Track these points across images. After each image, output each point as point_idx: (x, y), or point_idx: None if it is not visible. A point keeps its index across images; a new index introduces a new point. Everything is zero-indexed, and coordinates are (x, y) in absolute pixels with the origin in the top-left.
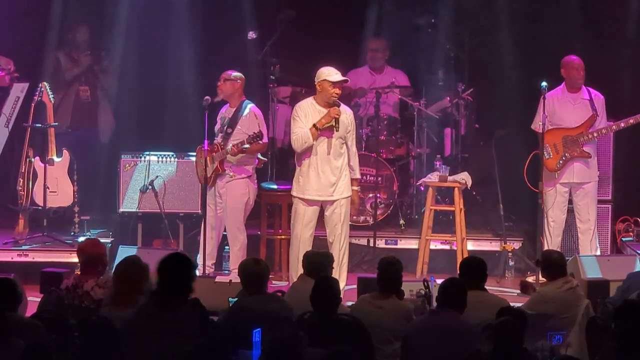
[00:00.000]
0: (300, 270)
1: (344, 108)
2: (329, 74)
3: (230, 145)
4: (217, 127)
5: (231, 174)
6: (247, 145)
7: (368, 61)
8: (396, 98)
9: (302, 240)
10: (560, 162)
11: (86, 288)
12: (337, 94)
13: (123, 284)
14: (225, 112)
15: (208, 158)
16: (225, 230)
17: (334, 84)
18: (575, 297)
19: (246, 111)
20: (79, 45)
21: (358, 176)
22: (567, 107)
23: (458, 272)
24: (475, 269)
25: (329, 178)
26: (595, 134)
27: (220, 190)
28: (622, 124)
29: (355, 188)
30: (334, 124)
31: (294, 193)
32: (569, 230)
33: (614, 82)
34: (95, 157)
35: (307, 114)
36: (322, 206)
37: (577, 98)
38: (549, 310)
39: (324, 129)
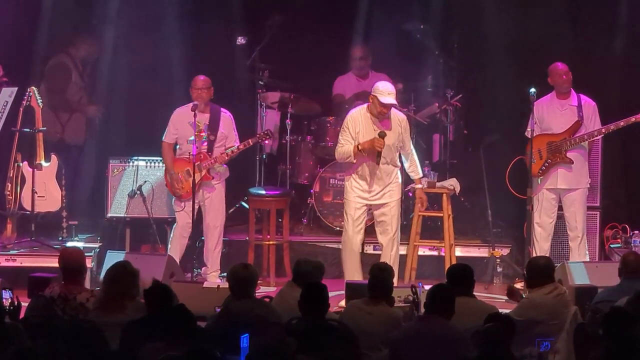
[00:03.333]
0: (349, 272)
1: (395, 114)
2: (382, 93)
3: (225, 150)
4: (187, 134)
5: (214, 182)
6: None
7: (354, 70)
8: None
9: (353, 242)
10: (543, 167)
11: (80, 300)
12: (384, 112)
13: (112, 289)
14: (198, 118)
15: (190, 168)
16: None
17: (383, 104)
18: (564, 304)
19: (223, 115)
20: (85, 60)
21: (420, 175)
22: (555, 114)
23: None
24: (462, 275)
25: (378, 182)
26: (577, 140)
27: (204, 196)
28: (604, 130)
29: (419, 186)
30: (376, 156)
31: (345, 196)
32: (558, 237)
33: (601, 88)
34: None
35: (357, 124)
36: (372, 209)
37: (565, 104)
38: (537, 316)
39: (368, 153)
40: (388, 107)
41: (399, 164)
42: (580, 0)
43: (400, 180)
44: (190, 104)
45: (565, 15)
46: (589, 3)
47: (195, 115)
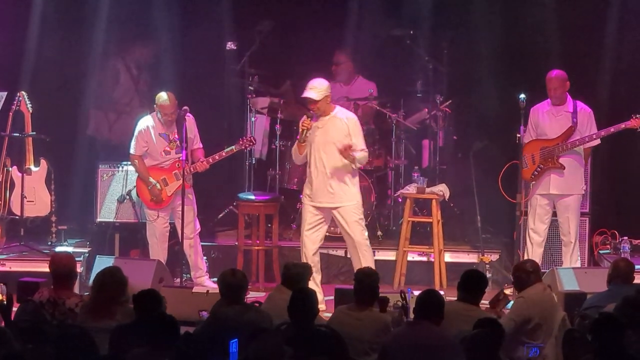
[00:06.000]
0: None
1: (340, 113)
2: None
3: (201, 158)
4: (159, 145)
5: (187, 191)
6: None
7: (335, 75)
8: (370, 109)
9: (306, 245)
10: (536, 172)
11: (69, 305)
12: (311, 107)
13: (101, 295)
14: (165, 128)
15: (167, 176)
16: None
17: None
18: (554, 304)
19: (187, 118)
20: (140, 66)
21: (357, 155)
22: (550, 119)
23: (437, 282)
24: (476, 283)
25: (327, 185)
26: (569, 145)
27: (178, 202)
28: (595, 136)
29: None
30: (302, 134)
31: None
32: (549, 243)
33: (591, 93)
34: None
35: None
36: (331, 213)
37: (560, 110)
38: (533, 313)
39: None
40: (308, 101)
41: (353, 166)
42: (570, 6)
43: (356, 184)
44: (153, 114)
45: (555, 20)
46: (579, 9)
47: (184, 121)
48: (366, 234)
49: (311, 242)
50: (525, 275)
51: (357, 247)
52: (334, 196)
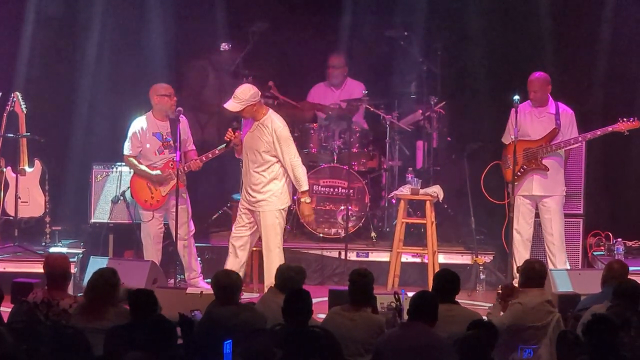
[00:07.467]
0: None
1: (268, 121)
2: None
3: (195, 157)
4: (152, 145)
5: (181, 191)
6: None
7: (328, 78)
8: (363, 110)
9: (234, 246)
10: (518, 173)
11: (63, 306)
12: (242, 115)
13: (93, 295)
14: (158, 128)
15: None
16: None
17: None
18: (550, 310)
19: (181, 118)
20: (222, 68)
21: (304, 188)
22: (532, 120)
23: (431, 284)
24: (449, 282)
25: (249, 190)
26: (553, 147)
27: (172, 202)
28: (580, 138)
29: (303, 200)
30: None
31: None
32: (536, 244)
33: (583, 96)
34: None
35: None
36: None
37: (542, 112)
38: (528, 320)
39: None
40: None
41: (274, 172)
42: (564, 9)
43: (279, 190)
44: (149, 113)
45: (549, 23)
46: (572, 12)
47: (179, 122)
48: (279, 240)
49: (240, 245)
50: (533, 274)
51: (265, 251)
52: (258, 201)
